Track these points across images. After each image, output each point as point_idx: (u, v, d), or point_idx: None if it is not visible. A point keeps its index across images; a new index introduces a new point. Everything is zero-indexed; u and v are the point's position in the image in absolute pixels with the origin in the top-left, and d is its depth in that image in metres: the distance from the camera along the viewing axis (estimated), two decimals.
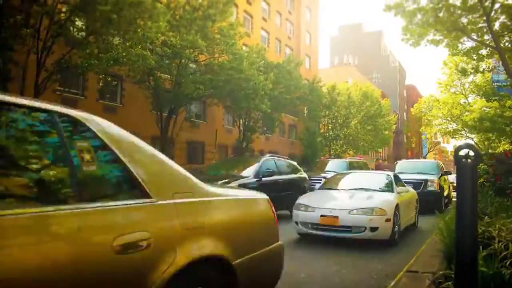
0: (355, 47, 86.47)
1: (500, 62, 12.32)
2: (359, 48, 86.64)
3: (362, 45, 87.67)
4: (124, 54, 13.47)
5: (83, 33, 13.99)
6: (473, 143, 39.77)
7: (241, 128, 26.72)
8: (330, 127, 40.88)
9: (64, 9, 13.72)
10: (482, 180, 6.44)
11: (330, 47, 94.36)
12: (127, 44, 14.03)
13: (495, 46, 10.73)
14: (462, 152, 2.48)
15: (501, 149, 9.05)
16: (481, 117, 24.76)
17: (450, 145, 74.11)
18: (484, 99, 26.27)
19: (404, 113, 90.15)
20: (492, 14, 10.89)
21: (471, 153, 2.45)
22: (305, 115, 35.59)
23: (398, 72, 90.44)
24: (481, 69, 20.12)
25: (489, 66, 19.03)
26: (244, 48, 27.12)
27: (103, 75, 19.19)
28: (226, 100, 22.88)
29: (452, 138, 39.72)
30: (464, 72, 22.71)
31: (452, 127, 36.28)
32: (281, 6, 40.34)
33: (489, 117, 24.13)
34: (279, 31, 39.35)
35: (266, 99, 22.10)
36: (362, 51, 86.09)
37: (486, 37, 11.81)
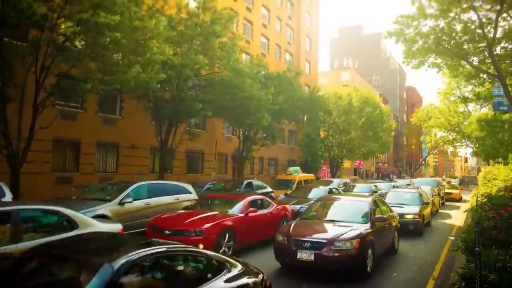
0: (355, 49, 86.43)
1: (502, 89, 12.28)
2: (359, 50, 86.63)
3: (362, 47, 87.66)
4: (126, 79, 13.31)
5: (82, 48, 13.86)
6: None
7: (241, 138, 26.62)
8: (330, 133, 40.76)
9: (63, 26, 13.55)
10: (484, 225, 6.33)
11: (330, 49, 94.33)
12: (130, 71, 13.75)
13: (496, 73, 10.64)
14: None
15: (500, 178, 8.83)
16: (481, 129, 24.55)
17: (450, 147, 74.13)
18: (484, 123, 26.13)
19: (404, 115, 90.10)
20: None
21: None
22: (305, 120, 35.46)
23: (398, 74, 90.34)
24: (481, 95, 19.98)
25: (489, 93, 18.91)
26: (244, 56, 27.00)
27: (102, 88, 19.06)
28: (227, 115, 22.80)
29: (452, 146, 39.67)
30: (465, 99, 22.60)
31: (452, 136, 36.16)
32: (281, 11, 40.16)
33: (488, 128, 23.93)
34: (279, 37, 39.18)
35: (266, 113, 22.01)
36: (362, 53, 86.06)
37: (486, 60, 11.74)
